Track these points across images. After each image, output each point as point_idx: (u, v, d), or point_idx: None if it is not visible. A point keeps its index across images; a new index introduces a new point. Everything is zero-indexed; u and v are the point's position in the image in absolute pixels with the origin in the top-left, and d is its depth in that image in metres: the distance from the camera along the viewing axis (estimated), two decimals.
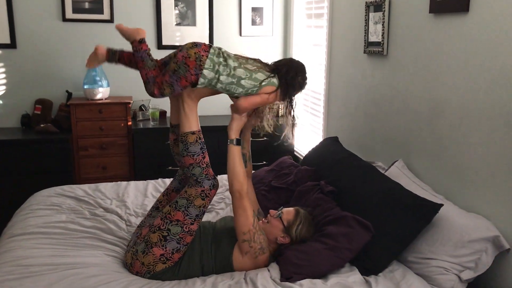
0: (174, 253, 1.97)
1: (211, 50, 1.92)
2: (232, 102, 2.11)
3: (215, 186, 2.04)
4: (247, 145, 2.30)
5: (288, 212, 2.14)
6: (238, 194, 2.01)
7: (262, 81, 2.01)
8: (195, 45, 1.92)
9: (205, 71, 1.90)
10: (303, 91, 2.18)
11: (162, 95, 1.99)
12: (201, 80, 1.91)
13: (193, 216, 2.00)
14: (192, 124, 2.02)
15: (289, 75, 2.05)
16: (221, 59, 1.93)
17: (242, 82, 1.97)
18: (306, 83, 2.13)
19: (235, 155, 2.06)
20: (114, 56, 2.12)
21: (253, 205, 2.19)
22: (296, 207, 2.20)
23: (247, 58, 2.05)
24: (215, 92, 2.04)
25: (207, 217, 2.58)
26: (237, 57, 2.02)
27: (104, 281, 1.85)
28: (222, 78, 1.93)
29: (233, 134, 2.09)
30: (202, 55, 1.89)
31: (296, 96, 2.13)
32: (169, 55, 2.07)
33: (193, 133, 2.01)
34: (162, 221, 2.01)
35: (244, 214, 2.00)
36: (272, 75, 2.04)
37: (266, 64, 2.09)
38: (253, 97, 2.03)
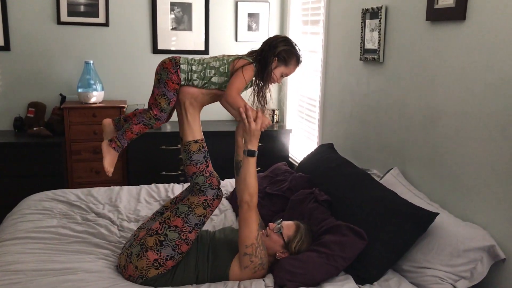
0: (167, 259, 1.94)
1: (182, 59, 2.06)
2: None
3: (218, 196, 2.02)
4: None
5: (288, 227, 2.10)
6: (246, 206, 1.97)
7: (229, 58, 2.03)
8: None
9: (181, 66, 2.02)
10: (298, 69, 2.09)
11: (162, 110, 2.04)
12: (182, 75, 2.01)
13: (192, 224, 1.98)
14: (195, 133, 2.03)
15: (266, 46, 2.01)
16: (193, 60, 2.06)
17: (211, 64, 2.03)
18: (294, 51, 2.02)
19: (251, 166, 2.00)
20: (119, 122, 2.17)
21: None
22: (296, 221, 2.16)
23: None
24: (215, 98, 2.07)
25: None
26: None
27: (94, 287, 1.81)
28: (193, 67, 2.02)
29: (254, 146, 2.00)
30: (176, 58, 2.04)
31: (282, 70, 2.03)
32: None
33: (196, 141, 2.03)
34: (160, 226, 1.99)
35: (249, 227, 1.96)
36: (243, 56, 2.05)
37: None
38: (231, 79, 1.98)
